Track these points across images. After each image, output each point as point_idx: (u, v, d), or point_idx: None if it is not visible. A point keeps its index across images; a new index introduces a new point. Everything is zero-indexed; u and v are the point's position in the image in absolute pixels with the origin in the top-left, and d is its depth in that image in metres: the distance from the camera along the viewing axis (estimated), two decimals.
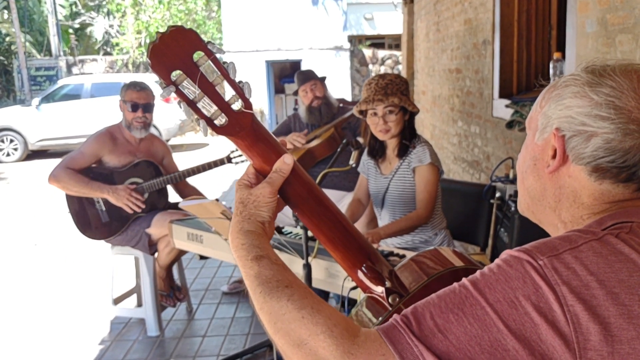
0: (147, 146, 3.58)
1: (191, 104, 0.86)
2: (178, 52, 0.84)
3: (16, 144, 12.28)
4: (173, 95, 0.86)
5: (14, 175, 10.57)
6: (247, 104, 0.90)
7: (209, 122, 0.88)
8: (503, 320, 0.74)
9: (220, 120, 0.89)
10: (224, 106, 0.89)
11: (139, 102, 3.40)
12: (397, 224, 2.66)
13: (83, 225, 3.48)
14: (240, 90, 0.89)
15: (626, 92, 0.84)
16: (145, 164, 3.50)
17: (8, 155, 12.25)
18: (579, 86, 0.87)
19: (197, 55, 0.86)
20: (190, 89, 0.86)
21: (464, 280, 0.79)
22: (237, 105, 0.90)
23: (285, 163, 0.97)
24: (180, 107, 0.86)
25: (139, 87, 3.46)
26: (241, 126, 0.91)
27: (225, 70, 0.87)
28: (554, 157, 0.89)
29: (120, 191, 3.35)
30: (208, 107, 0.88)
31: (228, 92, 0.91)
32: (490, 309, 0.74)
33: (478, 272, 0.79)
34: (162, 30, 0.85)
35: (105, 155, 3.44)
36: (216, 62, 0.87)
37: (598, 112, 0.84)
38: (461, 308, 0.76)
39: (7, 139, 12.26)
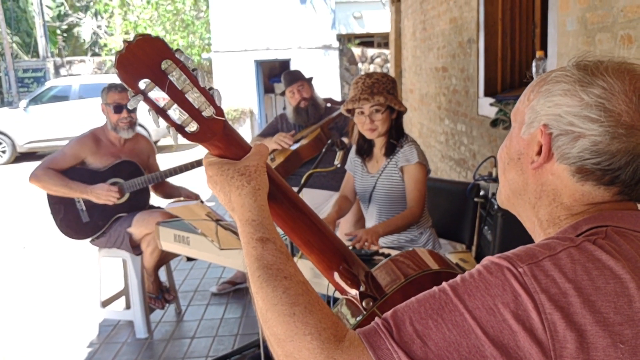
0: (132, 146, 3.57)
1: (161, 112, 0.87)
2: (145, 60, 0.85)
3: (4, 147, 12.19)
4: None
5: (2, 178, 10.50)
6: (218, 111, 0.91)
7: (180, 129, 0.89)
8: (481, 326, 0.74)
9: (191, 127, 0.90)
10: (194, 113, 0.89)
11: (122, 102, 3.40)
12: (394, 222, 2.67)
13: (64, 226, 3.48)
14: (210, 97, 0.89)
15: (617, 95, 0.83)
16: (126, 164, 3.49)
17: None
18: (570, 84, 0.86)
19: (165, 64, 0.86)
20: (160, 97, 0.86)
21: (444, 284, 0.80)
22: (208, 112, 0.90)
23: (263, 143, 0.99)
24: (150, 115, 0.87)
25: (121, 88, 3.45)
26: (212, 132, 0.91)
27: (194, 78, 0.88)
28: (539, 153, 0.89)
29: (99, 189, 3.34)
30: (178, 114, 0.88)
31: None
32: (469, 316, 0.75)
33: (459, 277, 0.80)
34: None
35: (87, 157, 3.43)
36: (185, 69, 0.87)
37: (587, 113, 0.83)
38: (440, 314, 0.76)
39: None
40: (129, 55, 0.84)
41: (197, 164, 3.56)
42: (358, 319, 1.07)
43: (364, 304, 1.04)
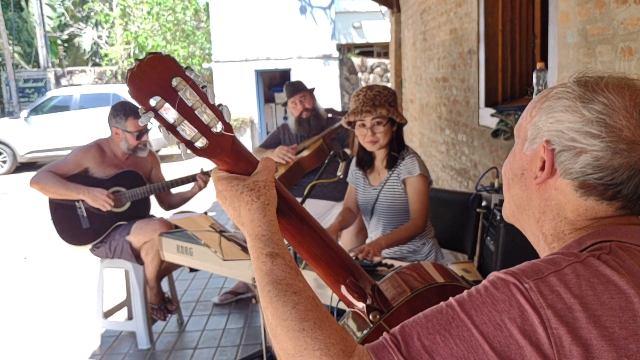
0: (135, 158, 3.59)
1: (171, 128, 0.88)
2: (156, 78, 0.86)
3: (5, 157, 12.22)
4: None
5: (2, 188, 10.50)
6: (227, 127, 0.92)
7: (190, 145, 0.90)
8: (489, 342, 0.75)
9: (201, 143, 0.91)
10: (204, 129, 0.90)
11: (143, 130, 3.45)
12: (397, 234, 2.68)
13: (64, 231, 3.49)
14: (219, 113, 0.91)
15: (618, 110, 0.84)
16: (129, 173, 3.52)
17: None
18: (571, 100, 0.87)
19: (176, 81, 0.87)
20: (170, 113, 0.87)
21: (451, 300, 0.80)
22: (217, 128, 0.91)
23: (269, 157, 1.00)
24: (160, 131, 0.88)
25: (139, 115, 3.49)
26: (221, 148, 0.93)
27: (203, 95, 0.89)
28: (542, 168, 0.90)
29: (97, 192, 3.35)
30: (188, 130, 0.89)
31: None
32: (476, 331, 0.76)
33: (465, 293, 0.81)
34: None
35: (91, 165, 3.46)
36: (194, 86, 0.89)
37: (589, 129, 0.84)
38: (448, 329, 0.77)
39: None
40: (140, 73, 0.85)
41: (200, 175, 3.59)
42: (365, 332, 1.08)
43: (370, 317, 1.04)
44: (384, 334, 0.80)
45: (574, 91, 0.88)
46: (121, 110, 3.45)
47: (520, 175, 0.95)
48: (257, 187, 0.95)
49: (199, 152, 0.91)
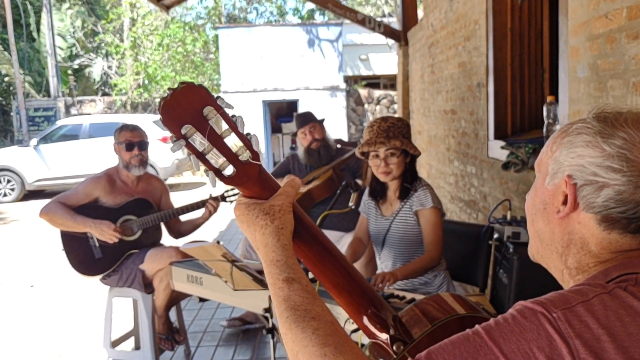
0: (145, 186, 3.62)
1: (200, 156, 0.89)
2: (188, 107, 0.87)
3: (13, 184, 12.29)
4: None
5: (11, 216, 10.54)
6: (255, 155, 0.93)
7: (218, 173, 0.91)
8: None
9: (228, 171, 0.92)
10: (231, 157, 0.91)
11: (133, 140, 3.47)
12: (413, 265, 2.67)
13: (77, 262, 3.48)
14: (247, 142, 0.92)
15: (638, 145, 0.85)
16: (139, 201, 3.54)
17: (5, 195, 12.25)
18: (591, 135, 0.88)
19: (207, 110, 0.89)
20: (200, 141, 0.89)
21: (478, 327, 0.81)
22: (244, 157, 0.92)
23: (294, 179, 1.01)
24: (190, 159, 0.89)
25: (132, 127, 3.57)
26: (248, 176, 0.94)
27: (233, 124, 0.90)
28: (564, 202, 0.91)
29: (104, 226, 3.35)
30: (216, 158, 0.90)
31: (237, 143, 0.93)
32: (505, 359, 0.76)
33: (492, 321, 0.81)
34: (171, 86, 0.89)
35: (101, 195, 3.47)
36: (225, 115, 0.90)
37: (610, 163, 0.85)
38: (475, 357, 0.77)
39: (4, 179, 12.28)
40: (173, 101, 0.87)
41: (210, 201, 3.60)
42: None
43: (394, 348, 1.03)
44: (409, 359, 0.80)
45: (594, 127, 0.89)
46: (118, 128, 3.57)
47: (543, 209, 0.96)
48: (272, 211, 0.95)
49: (227, 180, 0.92)
